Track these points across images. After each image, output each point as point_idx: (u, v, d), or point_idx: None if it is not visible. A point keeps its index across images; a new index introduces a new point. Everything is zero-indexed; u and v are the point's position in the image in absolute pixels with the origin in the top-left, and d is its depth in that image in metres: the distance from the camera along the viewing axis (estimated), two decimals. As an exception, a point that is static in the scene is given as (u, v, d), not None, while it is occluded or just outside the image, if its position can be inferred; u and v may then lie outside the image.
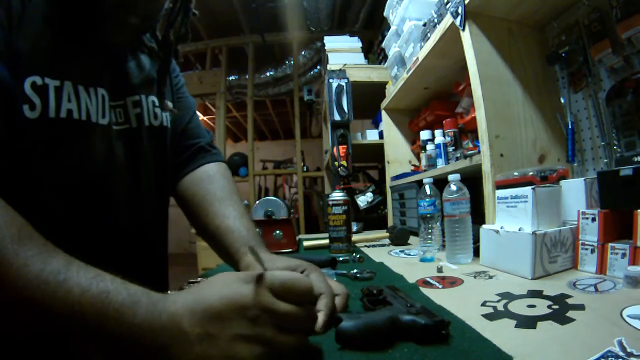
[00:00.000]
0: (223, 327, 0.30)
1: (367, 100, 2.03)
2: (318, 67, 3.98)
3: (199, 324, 0.30)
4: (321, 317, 0.40)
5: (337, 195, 1.12)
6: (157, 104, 0.61)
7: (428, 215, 0.97)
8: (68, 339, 0.29)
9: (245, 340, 0.30)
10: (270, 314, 0.31)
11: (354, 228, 1.64)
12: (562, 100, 0.95)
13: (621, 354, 0.33)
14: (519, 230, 0.66)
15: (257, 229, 1.14)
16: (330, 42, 2.25)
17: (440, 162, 1.29)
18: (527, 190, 0.68)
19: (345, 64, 1.99)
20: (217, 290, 0.32)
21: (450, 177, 0.85)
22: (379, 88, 1.88)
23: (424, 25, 1.24)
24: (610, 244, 0.59)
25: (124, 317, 0.29)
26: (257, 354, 0.30)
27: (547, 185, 0.72)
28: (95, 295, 0.29)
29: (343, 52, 2.17)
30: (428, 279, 0.68)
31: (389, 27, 1.60)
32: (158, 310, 0.30)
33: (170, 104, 0.61)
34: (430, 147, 1.39)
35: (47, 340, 0.29)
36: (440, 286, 0.63)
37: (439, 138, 1.30)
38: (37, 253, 0.30)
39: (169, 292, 0.34)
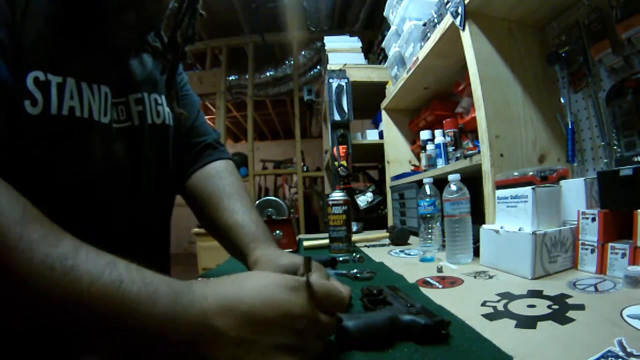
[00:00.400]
0: (266, 334, 0.29)
1: (367, 100, 2.03)
2: (318, 67, 3.98)
3: (237, 326, 0.28)
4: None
5: (337, 195, 1.12)
6: (159, 101, 0.61)
7: (428, 215, 0.97)
8: (75, 331, 0.27)
9: (287, 350, 0.29)
10: (315, 326, 0.32)
11: (354, 228, 1.64)
12: (562, 100, 0.95)
13: (621, 354, 0.33)
14: (519, 230, 0.66)
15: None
16: (330, 42, 2.25)
17: (440, 162, 1.29)
18: (527, 190, 0.68)
19: (345, 64, 1.99)
20: (258, 292, 0.30)
21: (450, 177, 0.85)
22: (379, 88, 1.88)
23: (424, 25, 1.24)
24: (610, 244, 0.59)
25: (140, 308, 0.27)
26: None
27: (547, 185, 0.72)
28: (106, 284, 0.27)
29: (343, 52, 2.17)
30: (428, 279, 0.68)
31: (389, 27, 1.60)
32: (183, 303, 0.29)
33: (178, 110, 0.61)
34: (430, 147, 1.38)
35: (53, 332, 0.27)
36: (440, 286, 0.63)
37: (439, 138, 1.30)
38: (43, 236, 0.28)
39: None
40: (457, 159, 1.12)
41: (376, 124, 2.17)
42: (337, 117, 1.73)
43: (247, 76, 4.06)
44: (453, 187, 0.83)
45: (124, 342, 0.27)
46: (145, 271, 0.30)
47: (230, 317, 0.29)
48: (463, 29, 0.93)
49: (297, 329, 0.30)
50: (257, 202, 1.29)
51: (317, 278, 0.47)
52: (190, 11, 0.56)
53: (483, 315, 0.46)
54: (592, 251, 0.62)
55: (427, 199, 0.96)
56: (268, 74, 4.13)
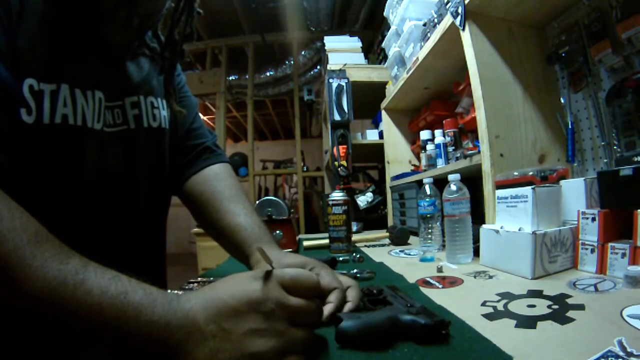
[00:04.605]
0: (237, 322, 0.31)
1: (367, 100, 2.03)
2: (318, 67, 3.98)
3: (212, 320, 0.31)
4: (328, 308, 0.42)
5: (337, 195, 1.12)
6: (156, 105, 0.61)
7: (428, 215, 0.97)
8: (86, 338, 0.29)
9: (260, 334, 0.31)
10: (283, 308, 0.33)
11: (354, 228, 1.64)
12: (562, 100, 0.95)
13: (621, 354, 0.33)
14: (519, 230, 0.66)
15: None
16: (330, 42, 2.25)
17: (440, 162, 1.29)
18: (527, 190, 0.68)
19: (345, 64, 1.99)
20: (229, 288, 0.33)
21: (450, 177, 0.85)
22: (379, 88, 1.88)
23: (424, 25, 1.24)
24: (610, 244, 0.59)
25: (142, 316, 0.30)
26: (270, 346, 0.31)
27: (547, 185, 0.72)
28: (114, 295, 0.30)
29: (343, 52, 2.17)
30: (428, 279, 0.68)
31: (389, 27, 1.60)
32: (174, 308, 0.31)
33: (177, 107, 0.61)
34: (430, 147, 1.38)
35: (65, 339, 0.29)
36: (440, 286, 0.63)
37: (439, 138, 1.30)
38: (55, 254, 0.30)
39: (178, 292, 0.35)
40: (457, 159, 1.12)
41: (376, 124, 2.17)
42: (337, 117, 1.73)
43: (247, 76, 4.06)
44: (453, 187, 0.83)
45: (130, 346, 0.29)
46: (143, 284, 0.32)
47: (207, 313, 0.31)
48: (463, 29, 0.93)
49: (265, 312, 0.32)
50: (257, 202, 1.29)
51: (327, 275, 0.47)
52: (188, 9, 0.56)
53: (483, 315, 0.46)
54: (592, 251, 0.62)
55: (427, 199, 0.96)
56: (268, 74, 4.13)
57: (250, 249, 0.59)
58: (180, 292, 0.34)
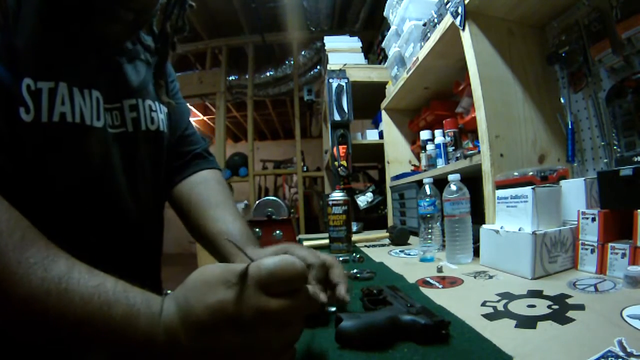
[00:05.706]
0: (217, 339, 0.29)
1: (367, 100, 2.03)
2: (318, 67, 3.98)
3: (193, 338, 0.29)
4: (342, 288, 0.41)
5: (337, 195, 1.12)
6: (154, 108, 0.61)
7: (428, 215, 0.97)
8: (69, 349, 0.29)
9: (244, 348, 0.29)
10: (264, 316, 0.29)
11: (354, 228, 1.64)
12: (562, 100, 0.95)
13: (621, 354, 0.33)
14: (519, 230, 0.66)
15: (257, 229, 1.14)
16: (330, 42, 2.25)
17: (440, 162, 1.29)
18: (527, 190, 0.68)
19: (345, 64, 1.99)
20: (201, 296, 0.30)
21: (450, 177, 0.85)
22: (379, 88, 1.88)
23: (424, 25, 1.24)
24: (610, 244, 0.59)
25: (125, 330, 0.29)
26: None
27: (547, 185, 0.72)
28: (95, 307, 0.29)
29: (343, 52, 2.17)
30: (428, 279, 0.68)
31: (389, 27, 1.60)
32: (157, 323, 0.30)
33: (166, 99, 0.61)
34: (430, 147, 1.39)
35: (47, 348, 0.29)
36: (440, 286, 0.63)
37: (439, 138, 1.30)
38: (40, 259, 0.30)
39: (168, 291, 0.34)
40: (457, 159, 1.12)
41: (376, 124, 2.17)
42: (337, 117, 1.73)
43: (247, 76, 4.06)
44: (453, 187, 0.83)
45: (114, 355, 0.29)
46: (129, 291, 0.31)
47: (187, 330, 0.29)
48: (463, 29, 0.93)
49: (245, 325, 0.29)
50: (257, 202, 1.29)
51: (303, 251, 0.47)
52: (180, 2, 0.57)
53: (483, 315, 0.46)
54: (592, 251, 0.62)
55: (427, 199, 0.96)
56: (268, 74, 4.13)
57: (231, 257, 0.59)
58: (168, 293, 0.34)
